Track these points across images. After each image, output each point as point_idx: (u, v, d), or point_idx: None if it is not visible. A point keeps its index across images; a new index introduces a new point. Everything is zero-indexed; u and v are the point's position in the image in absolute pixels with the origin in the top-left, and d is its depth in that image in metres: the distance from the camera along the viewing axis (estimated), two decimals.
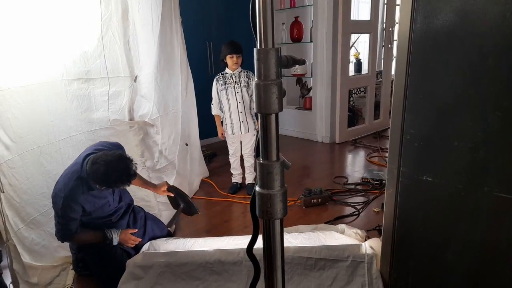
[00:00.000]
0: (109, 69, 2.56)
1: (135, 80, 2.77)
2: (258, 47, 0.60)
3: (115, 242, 2.05)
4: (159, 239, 2.20)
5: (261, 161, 0.66)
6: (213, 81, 3.15)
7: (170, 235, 2.39)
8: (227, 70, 3.08)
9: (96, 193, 1.93)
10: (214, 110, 3.20)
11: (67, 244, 2.15)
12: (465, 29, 1.36)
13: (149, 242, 2.12)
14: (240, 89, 3.04)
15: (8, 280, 1.92)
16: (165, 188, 2.37)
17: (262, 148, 0.65)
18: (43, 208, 2.14)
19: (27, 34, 2.06)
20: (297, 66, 4.81)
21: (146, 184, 2.39)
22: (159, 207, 2.76)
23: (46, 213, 2.14)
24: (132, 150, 2.71)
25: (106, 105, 2.59)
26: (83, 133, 2.44)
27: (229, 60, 3.00)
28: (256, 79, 0.61)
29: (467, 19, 1.34)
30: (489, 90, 1.34)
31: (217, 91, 3.13)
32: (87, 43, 2.42)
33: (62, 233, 1.92)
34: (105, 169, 1.75)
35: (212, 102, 3.19)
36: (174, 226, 2.63)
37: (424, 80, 1.51)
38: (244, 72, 3.07)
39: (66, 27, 2.28)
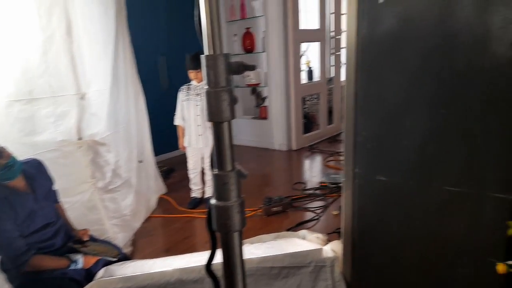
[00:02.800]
0: (55, 88, 2.43)
1: (83, 98, 2.64)
2: (206, 54, 0.58)
3: (80, 265, 1.95)
4: (114, 264, 2.07)
5: (215, 172, 0.63)
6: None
7: (126, 258, 2.26)
8: (193, 82, 3.06)
9: (12, 198, 1.82)
10: (176, 120, 3.16)
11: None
12: (407, 32, 1.42)
13: (103, 268, 1.99)
14: (200, 101, 3.01)
15: None
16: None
17: (216, 158, 0.63)
18: None
19: None
20: (251, 75, 4.86)
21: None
22: (114, 229, 2.61)
23: None
24: (81, 172, 2.56)
25: (53, 126, 2.44)
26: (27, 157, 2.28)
27: (190, 74, 3.02)
28: (206, 87, 0.59)
29: (409, 23, 1.41)
30: (433, 89, 1.41)
31: (181, 101, 3.10)
32: (28, 61, 2.28)
33: (14, 255, 1.78)
34: None
35: (176, 112, 3.15)
36: (131, 248, 2.51)
37: (372, 84, 1.56)
38: None
39: (5, 46, 2.14)
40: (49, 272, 1.88)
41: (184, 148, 3.20)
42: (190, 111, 3.05)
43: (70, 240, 2.11)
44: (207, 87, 0.59)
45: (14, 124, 2.22)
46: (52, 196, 2.09)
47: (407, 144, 1.51)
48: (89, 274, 1.99)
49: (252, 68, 0.64)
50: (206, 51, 0.58)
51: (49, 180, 2.08)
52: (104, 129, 2.74)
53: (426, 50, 1.39)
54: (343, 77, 5.03)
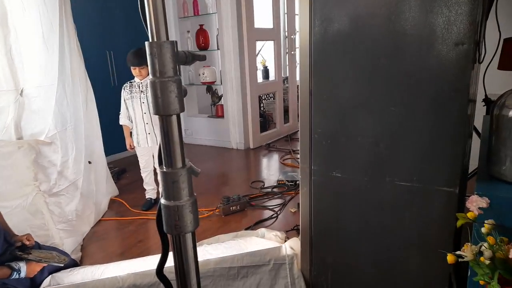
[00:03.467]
0: None
1: (21, 94, 2.44)
2: (150, 40, 0.53)
3: (23, 274, 1.80)
4: (62, 271, 1.94)
5: (164, 170, 0.59)
6: (116, 93, 2.95)
7: (75, 264, 2.12)
8: (135, 78, 2.92)
9: None
10: (122, 120, 3.03)
11: None
12: (358, 32, 1.45)
13: (50, 276, 1.86)
14: (146, 99, 2.89)
15: None
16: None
17: (164, 155, 0.58)
18: None
19: None
20: (205, 73, 4.78)
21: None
22: (60, 234, 2.44)
23: None
24: (22, 174, 2.37)
25: None
26: None
27: (133, 71, 2.89)
28: (150, 77, 0.54)
29: (360, 23, 1.44)
30: (383, 88, 1.45)
31: (124, 100, 2.96)
32: None
33: None
34: None
35: (120, 112, 3.00)
36: (80, 254, 2.36)
37: (326, 82, 1.58)
38: None
39: None
40: None
41: (132, 148, 3.08)
42: (136, 110, 2.94)
43: (10, 247, 1.94)
44: (152, 77, 0.54)
45: None
46: None
47: (360, 141, 1.54)
48: (33, 283, 1.85)
49: (202, 58, 0.60)
50: (150, 37, 0.53)
51: None
52: (50, 127, 2.55)
53: (376, 49, 1.43)
54: (298, 76, 5.11)
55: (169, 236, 0.64)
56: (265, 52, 5.96)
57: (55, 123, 2.60)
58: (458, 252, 0.95)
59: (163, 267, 0.67)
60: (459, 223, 0.99)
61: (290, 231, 2.55)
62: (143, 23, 0.55)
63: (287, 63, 5.73)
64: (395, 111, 1.43)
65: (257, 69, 5.01)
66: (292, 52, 5.49)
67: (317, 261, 1.83)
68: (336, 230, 1.72)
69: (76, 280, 1.83)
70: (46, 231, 2.37)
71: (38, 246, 2.06)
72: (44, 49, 2.57)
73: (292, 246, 1.95)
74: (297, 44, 5.32)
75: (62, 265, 1.97)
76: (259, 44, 5.35)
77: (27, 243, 1.96)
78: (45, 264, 1.91)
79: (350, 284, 1.74)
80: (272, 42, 5.17)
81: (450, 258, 0.95)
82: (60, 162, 2.65)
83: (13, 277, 1.79)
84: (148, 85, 0.55)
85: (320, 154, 1.66)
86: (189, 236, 0.62)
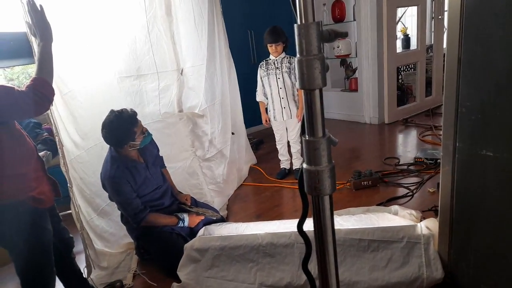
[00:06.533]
0: (158, 64, 2.67)
1: (181, 73, 2.86)
2: (299, 23, 0.60)
3: (186, 223, 2.23)
4: (213, 224, 2.29)
5: (307, 138, 0.67)
6: (256, 69, 3.17)
7: (223, 220, 2.47)
8: (270, 56, 3.09)
9: (131, 167, 2.10)
10: (258, 97, 3.23)
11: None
12: None
13: (204, 227, 2.21)
14: (281, 74, 3.03)
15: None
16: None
17: (307, 125, 0.66)
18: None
19: (82, 39, 2.20)
20: (340, 46, 4.68)
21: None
22: (211, 194, 2.86)
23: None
24: (183, 141, 2.82)
25: (157, 99, 2.71)
26: None
27: (269, 48, 3.04)
28: (298, 55, 0.61)
29: None
30: None
31: (261, 78, 3.15)
32: (135, 41, 2.53)
33: (133, 213, 2.08)
34: (108, 127, 2.01)
35: (257, 89, 3.22)
36: (226, 212, 2.72)
37: (480, 49, 1.42)
38: (287, 57, 3.05)
39: (115, 28, 2.40)
40: (160, 227, 2.16)
41: (267, 123, 3.27)
42: (272, 86, 3.09)
43: (176, 201, 2.38)
44: (299, 55, 0.61)
45: (126, 97, 2.51)
46: (158, 162, 2.37)
47: None
48: (192, 231, 2.24)
49: (344, 35, 0.65)
50: (298, 19, 0.60)
51: (155, 148, 2.35)
52: (202, 102, 2.94)
53: None
54: (445, 44, 4.54)
55: (309, 197, 0.72)
56: (407, 18, 5.47)
57: (206, 98, 2.98)
58: None
59: (303, 223, 0.76)
60: None
61: (427, 212, 2.40)
62: (292, 6, 0.62)
63: (433, 30, 5.15)
64: None
65: (396, 38, 4.66)
66: (440, 17, 4.89)
67: (457, 244, 1.71)
68: (481, 213, 1.57)
69: (223, 232, 2.13)
70: (201, 190, 2.80)
71: (195, 203, 2.46)
72: (195, 33, 2.93)
73: (428, 226, 1.86)
74: (447, 7, 4.68)
75: (215, 218, 2.32)
76: (400, 11, 4.94)
77: (188, 203, 2.38)
78: (203, 217, 2.29)
79: (496, 273, 1.58)
80: (416, 7, 4.71)
81: None
82: (210, 132, 3.05)
83: (179, 225, 2.21)
84: (295, 63, 0.62)
85: (467, 130, 1.52)
86: (327, 198, 0.69)
